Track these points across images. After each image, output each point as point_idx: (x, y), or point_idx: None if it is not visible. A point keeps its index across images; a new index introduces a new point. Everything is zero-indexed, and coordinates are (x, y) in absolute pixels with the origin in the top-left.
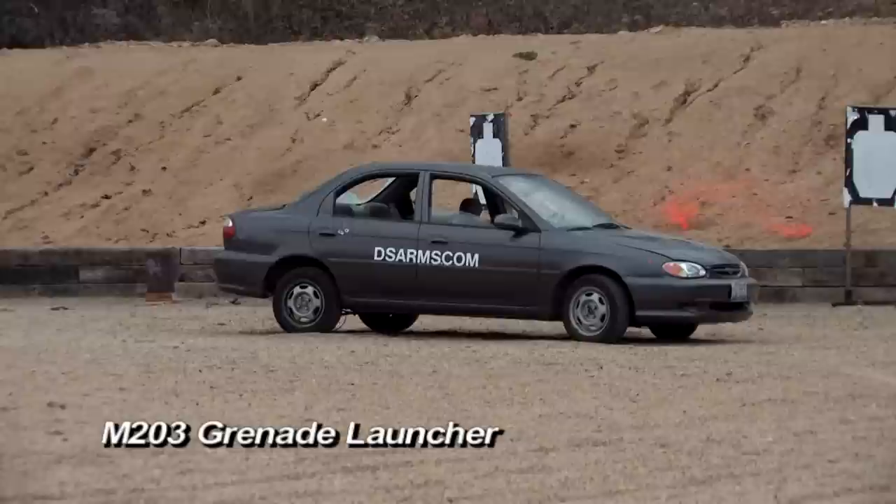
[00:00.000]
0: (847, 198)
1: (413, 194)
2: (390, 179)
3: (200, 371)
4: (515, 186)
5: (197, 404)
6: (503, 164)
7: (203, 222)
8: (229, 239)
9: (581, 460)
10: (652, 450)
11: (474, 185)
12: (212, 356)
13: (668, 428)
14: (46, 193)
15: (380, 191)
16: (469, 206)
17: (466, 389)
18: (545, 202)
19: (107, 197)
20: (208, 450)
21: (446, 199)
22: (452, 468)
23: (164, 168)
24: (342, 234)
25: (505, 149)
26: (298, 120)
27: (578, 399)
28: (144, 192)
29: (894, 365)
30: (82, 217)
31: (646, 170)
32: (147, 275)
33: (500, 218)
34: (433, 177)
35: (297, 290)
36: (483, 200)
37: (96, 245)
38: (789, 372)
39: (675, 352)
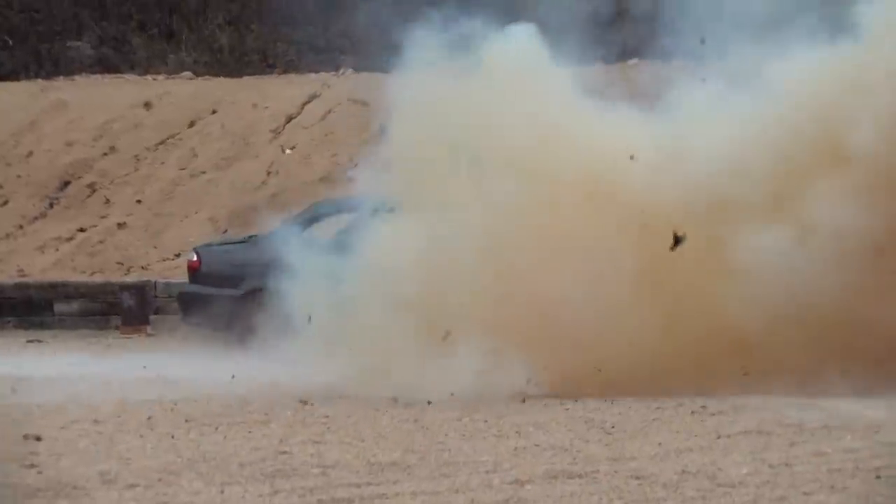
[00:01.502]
0: None
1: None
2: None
3: (176, 403)
4: None
5: (172, 437)
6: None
7: (178, 255)
8: (194, 272)
9: (556, 493)
10: (627, 482)
11: None
12: (187, 388)
13: (643, 460)
14: (21, 227)
15: (345, 225)
16: None
17: (442, 422)
18: None
19: (82, 230)
20: (184, 483)
21: None
22: (428, 501)
23: (138, 201)
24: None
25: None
26: (273, 152)
27: (554, 431)
28: (119, 225)
29: (868, 396)
30: (57, 250)
31: None
32: (122, 308)
33: None
34: None
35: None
36: None
37: (71, 278)
38: (764, 404)
39: None
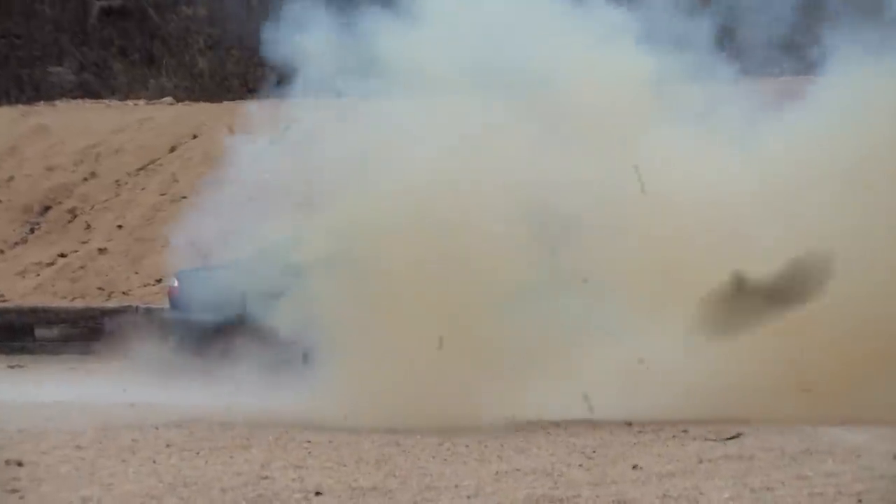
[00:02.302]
0: None
1: None
2: None
3: (157, 428)
4: None
5: (154, 462)
6: None
7: (159, 280)
8: (175, 298)
9: None
10: None
11: None
12: (168, 413)
13: (624, 484)
14: (2, 251)
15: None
16: None
17: (423, 446)
18: None
19: (63, 255)
20: None
21: None
22: None
23: (119, 226)
24: (289, 293)
25: None
26: (254, 177)
27: (535, 455)
28: (100, 250)
29: (850, 420)
30: (38, 275)
31: None
32: (103, 333)
33: None
34: None
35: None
36: None
37: (52, 303)
38: (745, 428)
39: None
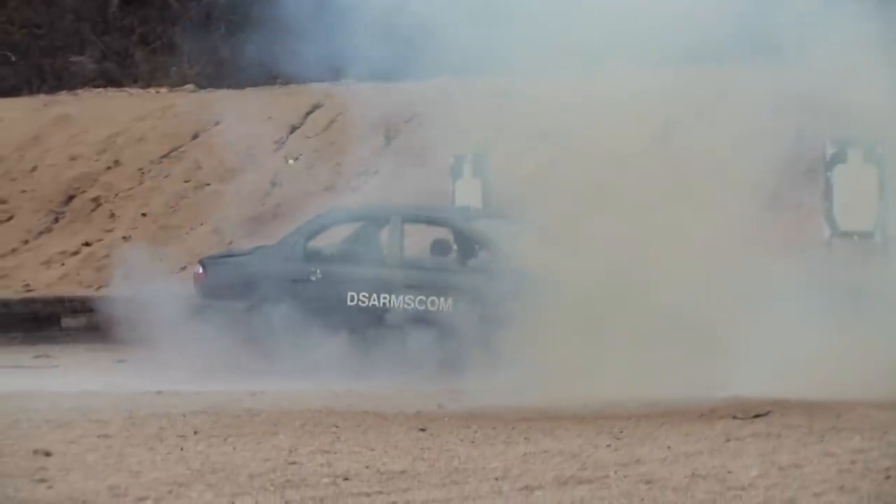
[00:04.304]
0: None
1: (384, 236)
2: (361, 222)
3: (184, 416)
4: (488, 228)
5: (181, 449)
6: (483, 204)
7: (184, 268)
8: (200, 285)
9: (566, 498)
10: (637, 486)
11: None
12: (195, 401)
13: (652, 464)
14: (27, 241)
15: (351, 233)
16: (439, 248)
17: (450, 429)
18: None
19: (87, 244)
20: (194, 495)
21: (418, 239)
22: None
23: (143, 214)
24: (314, 279)
25: (485, 188)
26: (277, 163)
27: (562, 437)
28: (125, 238)
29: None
30: (63, 265)
31: None
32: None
33: (473, 262)
34: (404, 220)
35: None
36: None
37: (77, 292)
38: (772, 406)
39: None
